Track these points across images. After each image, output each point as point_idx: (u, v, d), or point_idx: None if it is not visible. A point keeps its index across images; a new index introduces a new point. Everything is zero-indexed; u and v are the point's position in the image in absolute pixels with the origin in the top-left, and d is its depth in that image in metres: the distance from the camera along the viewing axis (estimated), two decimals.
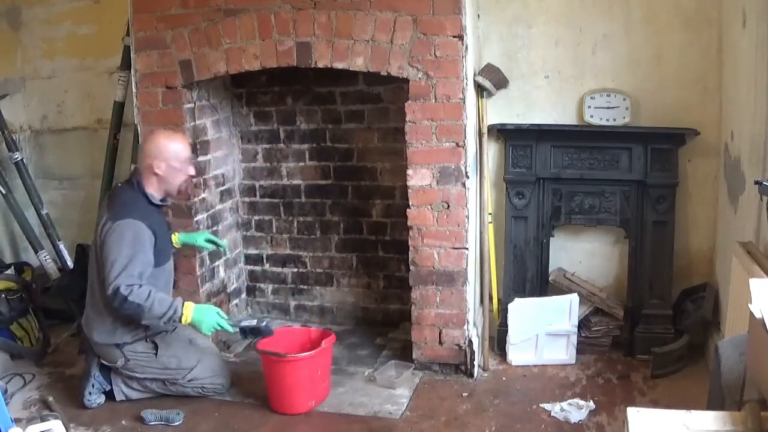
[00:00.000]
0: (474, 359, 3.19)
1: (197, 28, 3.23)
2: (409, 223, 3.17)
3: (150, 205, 2.99)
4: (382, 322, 3.78)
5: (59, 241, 4.11)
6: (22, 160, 4.10)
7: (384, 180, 3.66)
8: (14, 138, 4.13)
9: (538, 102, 3.40)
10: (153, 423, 2.87)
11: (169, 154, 2.96)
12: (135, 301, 2.77)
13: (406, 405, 2.97)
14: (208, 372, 3.06)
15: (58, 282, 3.96)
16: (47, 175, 4.42)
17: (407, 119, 3.08)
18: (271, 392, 2.97)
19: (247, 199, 3.92)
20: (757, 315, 1.59)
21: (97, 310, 2.96)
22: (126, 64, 3.67)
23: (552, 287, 3.46)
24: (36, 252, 4.06)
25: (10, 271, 3.70)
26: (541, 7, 3.32)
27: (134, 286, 2.78)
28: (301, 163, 3.79)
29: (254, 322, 3.05)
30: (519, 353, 3.32)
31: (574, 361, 3.30)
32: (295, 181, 3.82)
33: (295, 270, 3.93)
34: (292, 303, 3.97)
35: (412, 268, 3.20)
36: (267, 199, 3.88)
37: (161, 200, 3.04)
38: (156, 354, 2.99)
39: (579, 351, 3.32)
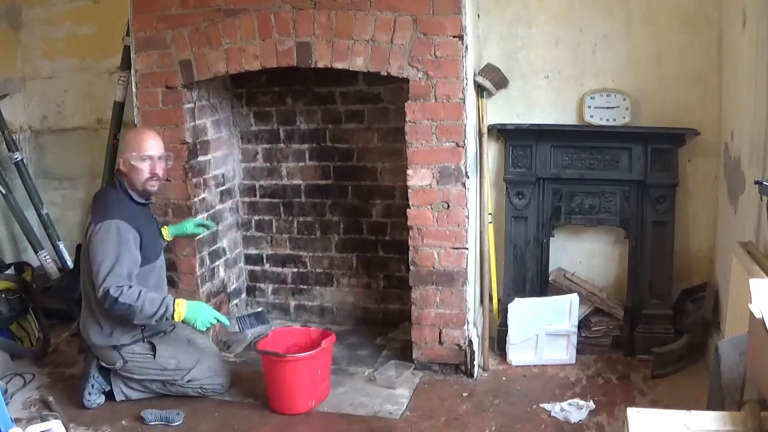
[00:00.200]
0: (474, 359, 3.19)
1: (197, 28, 3.23)
2: (409, 223, 3.17)
3: (134, 204, 2.98)
4: (382, 322, 3.78)
5: (59, 241, 4.11)
6: (22, 160, 4.10)
7: (384, 180, 3.66)
8: (14, 138, 4.13)
9: (538, 102, 3.40)
10: (153, 423, 2.87)
11: (129, 150, 2.95)
12: (126, 302, 2.77)
13: (406, 405, 2.97)
14: (208, 372, 3.06)
15: (58, 282, 3.96)
16: (47, 175, 4.42)
17: (407, 119, 3.08)
18: (271, 392, 2.97)
19: (247, 199, 3.92)
20: (757, 315, 1.59)
21: (93, 312, 2.96)
22: (126, 64, 3.67)
23: (552, 287, 3.46)
24: (36, 252, 4.06)
25: (10, 271, 3.70)
26: (541, 7, 3.32)
27: (124, 288, 2.78)
28: (301, 163, 3.79)
29: (248, 313, 3.06)
30: (519, 353, 3.32)
31: (574, 361, 3.30)
32: (295, 181, 3.82)
33: (295, 270, 3.93)
34: (292, 303, 3.97)
35: (412, 268, 3.20)
36: (267, 199, 3.88)
37: (146, 198, 3.03)
38: (154, 355, 2.99)
39: (579, 351, 3.32)
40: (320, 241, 3.85)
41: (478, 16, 3.32)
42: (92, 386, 3.01)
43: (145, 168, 2.94)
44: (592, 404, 2.89)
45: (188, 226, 3.32)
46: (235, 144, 3.85)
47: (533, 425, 2.79)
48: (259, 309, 3.08)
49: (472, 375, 3.20)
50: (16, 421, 2.57)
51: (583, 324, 3.36)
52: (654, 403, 2.87)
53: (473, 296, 3.27)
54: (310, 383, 2.93)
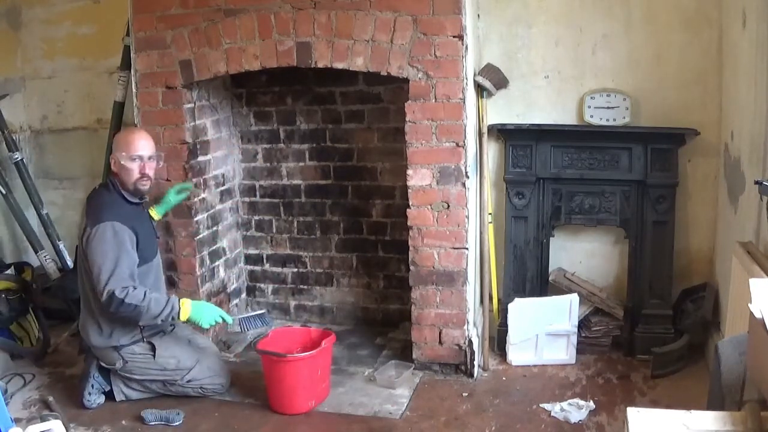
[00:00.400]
0: (474, 359, 3.19)
1: (197, 28, 3.23)
2: (409, 223, 3.17)
3: (128, 204, 2.97)
4: (382, 322, 3.78)
5: (59, 241, 4.11)
6: (22, 160, 4.09)
7: (384, 180, 3.66)
8: (14, 138, 4.13)
9: (538, 102, 3.40)
10: (153, 423, 2.87)
11: (120, 150, 2.94)
12: (132, 303, 2.77)
13: (406, 405, 2.97)
14: (208, 372, 3.06)
15: (58, 282, 3.95)
16: (47, 175, 4.42)
17: (407, 119, 3.08)
18: (271, 392, 2.97)
19: (247, 199, 3.92)
20: (757, 315, 1.59)
21: (92, 313, 2.95)
22: (126, 64, 3.67)
23: (552, 287, 3.46)
24: (36, 252, 4.06)
25: (10, 271, 3.70)
26: (541, 7, 3.32)
27: (129, 288, 2.78)
28: (301, 163, 3.79)
29: (251, 314, 3.07)
30: (519, 353, 3.32)
31: (574, 361, 3.30)
32: (295, 181, 3.82)
33: (295, 270, 3.93)
34: (292, 303, 3.97)
35: (412, 268, 3.20)
36: (267, 199, 3.88)
37: (139, 198, 3.03)
38: (154, 355, 2.99)
39: (579, 351, 3.32)
40: (320, 241, 3.85)
41: (478, 16, 3.32)
42: (92, 386, 3.01)
43: (135, 168, 2.94)
44: (592, 404, 2.89)
45: (170, 197, 3.30)
46: (235, 144, 3.85)
47: (533, 425, 2.79)
48: (262, 311, 3.09)
49: (472, 375, 3.20)
50: (16, 421, 2.56)
51: (583, 324, 3.36)
52: (654, 403, 2.87)
53: (473, 296, 3.27)
54: (310, 383, 2.93)
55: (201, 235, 3.51)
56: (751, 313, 1.63)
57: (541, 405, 2.92)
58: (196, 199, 3.46)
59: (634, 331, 3.33)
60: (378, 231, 3.74)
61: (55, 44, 4.22)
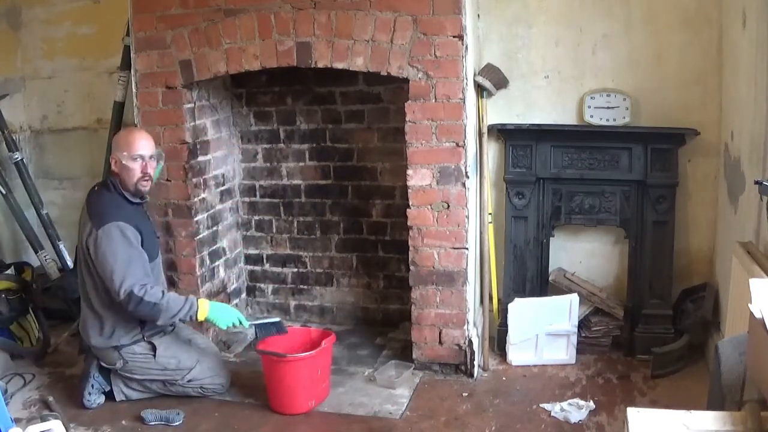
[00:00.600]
0: (474, 359, 3.19)
1: (197, 28, 3.23)
2: (409, 223, 3.17)
3: (129, 204, 2.97)
4: (382, 322, 3.78)
5: (59, 241, 4.10)
6: (22, 160, 4.09)
7: (384, 180, 3.66)
8: (14, 138, 4.12)
9: (538, 102, 3.40)
10: (153, 423, 2.87)
11: (120, 150, 2.94)
12: (151, 301, 2.78)
13: (406, 405, 2.97)
14: (208, 372, 3.06)
15: (58, 282, 3.95)
16: (47, 175, 4.42)
17: (407, 119, 3.08)
18: (271, 392, 2.97)
19: (247, 199, 3.92)
20: (757, 315, 1.59)
21: (93, 313, 2.95)
22: (126, 64, 3.67)
23: (552, 287, 3.46)
24: (36, 252, 4.05)
25: (10, 271, 3.70)
26: (541, 7, 3.32)
27: (147, 286, 2.79)
28: (301, 163, 3.79)
29: (267, 321, 3.07)
30: (519, 353, 3.32)
31: (574, 361, 3.30)
32: (295, 181, 3.82)
33: (295, 270, 3.93)
34: (292, 303, 3.97)
35: (412, 268, 3.20)
36: (267, 199, 3.88)
37: (140, 198, 3.02)
38: (154, 355, 2.99)
39: (579, 351, 3.32)
40: (320, 241, 3.85)
41: (478, 16, 3.31)
42: (92, 386, 3.01)
43: (136, 168, 2.93)
44: (592, 404, 2.89)
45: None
46: (235, 144, 3.85)
47: (533, 425, 2.79)
48: (278, 319, 3.08)
49: (472, 375, 3.20)
50: (16, 421, 2.56)
51: (583, 324, 3.36)
52: (654, 403, 2.87)
53: (473, 296, 3.27)
54: (310, 383, 2.93)
55: (201, 235, 3.51)
56: (751, 313, 1.63)
57: (541, 405, 2.92)
58: (196, 199, 3.46)
59: (634, 331, 3.32)
60: (378, 231, 3.74)
61: (55, 44, 4.22)
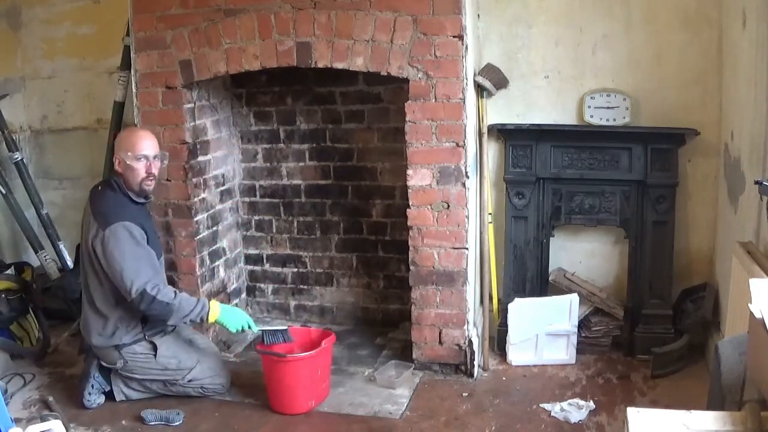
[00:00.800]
0: (474, 359, 3.19)
1: (197, 28, 3.23)
2: (409, 223, 3.17)
3: (133, 204, 2.97)
4: (382, 322, 3.78)
5: (59, 241, 4.11)
6: (22, 160, 4.09)
7: (384, 180, 3.66)
8: (14, 138, 4.13)
9: (538, 102, 3.40)
10: (153, 423, 2.87)
11: (124, 150, 2.93)
12: (164, 301, 2.79)
13: (406, 405, 2.97)
14: (209, 372, 3.06)
15: (58, 282, 3.95)
16: (47, 175, 4.42)
17: (407, 119, 3.08)
18: (271, 392, 2.97)
19: (247, 199, 3.92)
20: (757, 315, 1.59)
21: (95, 312, 2.95)
22: (126, 64, 3.67)
23: (552, 287, 3.46)
24: (36, 252, 4.06)
25: (10, 271, 3.70)
26: (541, 7, 3.32)
27: (159, 286, 2.81)
28: (301, 163, 3.79)
29: (275, 328, 3.07)
30: (519, 353, 3.32)
31: (574, 361, 3.30)
32: (295, 181, 3.82)
33: (295, 270, 3.93)
34: (292, 303, 3.97)
35: (412, 268, 3.20)
36: (267, 199, 3.88)
37: (144, 197, 3.03)
38: (155, 355, 2.99)
39: (579, 351, 3.32)
40: (320, 241, 3.85)
41: (478, 16, 3.31)
42: (92, 386, 3.01)
43: (140, 168, 2.93)
44: (592, 404, 2.89)
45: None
46: (235, 144, 3.85)
47: (533, 425, 2.79)
48: (285, 327, 3.08)
49: (472, 375, 3.20)
50: (16, 421, 2.56)
51: (583, 324, 3.36)
52: (654, 403, 2.87)
53: (473, 296, 3.27)
54: (310, 383, 2.93)
55: (201, 235, 3.51)
56: (751, 313, 1.63)
57: (541, 405, 2.92)
58: (196, 199, 3.46)
59: (634, 331, 3.32)
60: (378, 231, 3.74)
61: (55, 44, 4.23)
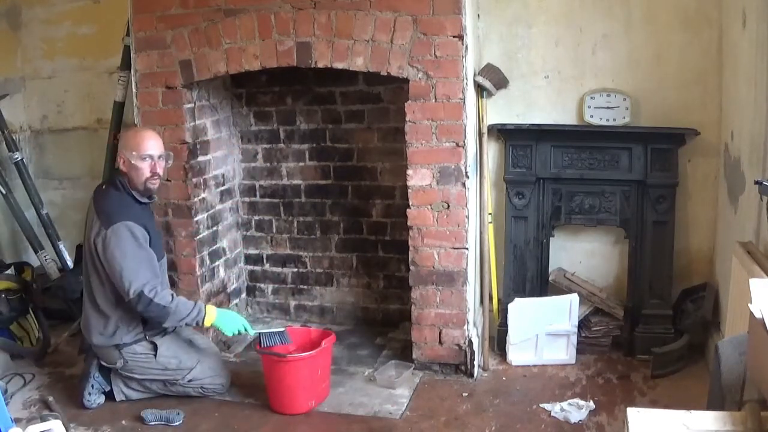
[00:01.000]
0: (474, 359, 3.19)
1: (197, 28, 3.23)
2: (409, 223, 3.17)
3: (137, 204, 2.97)
4: (382, 322, 3.78)
5: (59, 241, 4.11)
6: (22, 160, 4.09)
7: (384, 180, 3.66)
8: (14, 138, 4.13)
9: (538, 102, 3.40)
10: (153, 423, 2.87)
11: (129, 149, 2.93)
12: (161, 304, 2.80)
13: (406, 405, 2.97)
14: (209, 372, 3.06)
15: (58, 282, 3.95)
16: (47, 175, 4.42)
17: (407, 119, 3.08)
18: (271, 392, 2.97)
19: (247, 199, 3.92)
20: (757, 315, 1.59)
21: (96, 311, 2.95)
22: (126, 64, 3.67)
23: (552, 287, 3.46)
24: (36, 252, 4.06)
25: (10, 271, 3.70)
26: (541, 7, 3.32)
27: (157, 288, 2.81)
28: (301, 163, 3.79)
29: (272, 330, 3.07)
30: (519, 353, 3.32)
31: (574, 361, 3.30)
32: (295, 181, 3.82)
33: (295, 270, 3.93)
34: (292, 303, 3.97)
35: (412, 268, 3.20)
36: (267, 199, 3.88)
37: (148, 197, 3.03)
38: (155, 355, 2.99)
39: (579, 351, 3.32)
40: (320, 241, 3.85)
41: (478, 16, 3.31)
42: (92, 386, 3.01)
43: (145, 167, 2.93)
44: (592, 404, 2.89)
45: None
46: (235, 144, 3.85)
47: (533, 425, 2.79)
48: (282, 329, 3.08)
49: (472, 375, 3.20)
50: (16, 421, 2.56)
51: (583, 324, 3.36)
52: (654, 403, 2.87)
53: (473, 296, 3.27)
54: (310, 383, 2.93)
55: (201, 235, 3.51)
56: (751, 313, 1.63)
57: (541, 405, 2.92)
58: (196, 199, 3.46)
59: (634, 331, 3.32)
60: (378, 231, 3.74)
61: (55, 44, 4.23)
